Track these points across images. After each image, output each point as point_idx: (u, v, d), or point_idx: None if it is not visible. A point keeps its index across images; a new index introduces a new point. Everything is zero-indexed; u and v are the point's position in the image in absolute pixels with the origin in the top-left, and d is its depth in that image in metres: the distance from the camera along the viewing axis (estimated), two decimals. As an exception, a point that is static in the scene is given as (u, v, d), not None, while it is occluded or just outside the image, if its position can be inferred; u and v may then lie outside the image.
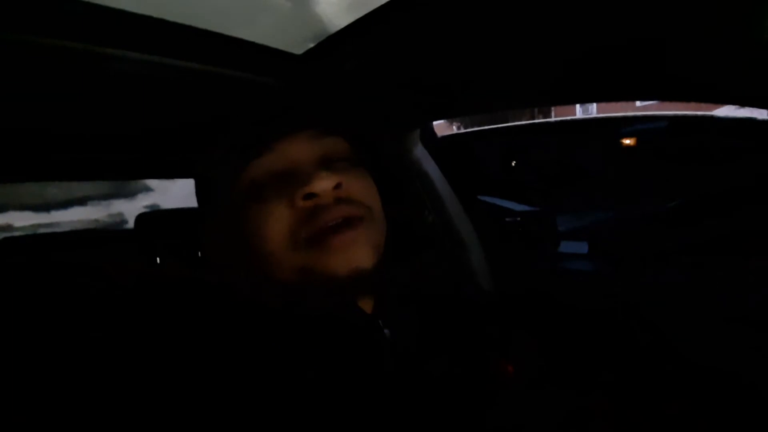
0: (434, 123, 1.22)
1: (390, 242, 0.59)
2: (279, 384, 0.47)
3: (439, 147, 1.02)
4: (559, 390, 0.61)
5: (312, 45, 0.68)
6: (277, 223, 0.52)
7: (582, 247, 2.04)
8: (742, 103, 0.75)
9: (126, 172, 1.32)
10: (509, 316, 0.69)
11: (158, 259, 1.15)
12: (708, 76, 0.67)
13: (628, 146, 2.73)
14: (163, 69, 0.63)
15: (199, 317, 0.51)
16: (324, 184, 0.52)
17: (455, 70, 0.76)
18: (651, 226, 2.22)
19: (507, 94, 0.87)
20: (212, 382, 0.45)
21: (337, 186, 0.54)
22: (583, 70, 0.71)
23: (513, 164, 3.20)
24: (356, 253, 0.52)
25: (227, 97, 0.77)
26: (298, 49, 0.69)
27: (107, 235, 1.51)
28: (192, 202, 0.67)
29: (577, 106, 9.45)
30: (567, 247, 2.10)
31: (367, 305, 0.57)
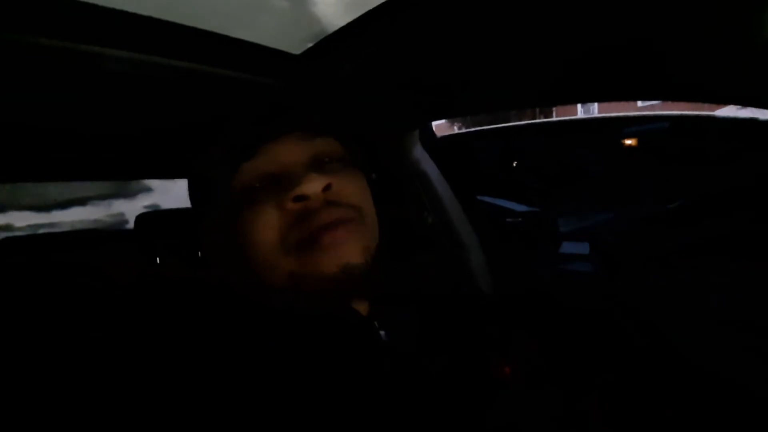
0: (435, 123, 1.22)
1: (388, 243, 0.59)
2: (277, 384, 0.47)
3: (438, 147, 1.02)
4: (558, 390, 0.61)
5: (310, 45, 0.68)
6: (267, 226, 0.52)
7: (583, 248, 2.04)
8: (743, 104, 0.75)
9: (126, 172, 1.32)
10: (509, 317, 0.69)
11: (158, 259, 1.15)
12: (708, 76, 0.67)
13: (629, 146, 2.73)
14: (164, 69, 0.63)
15: (198, 317, 0.51)
16: (313, 186, 0.52)
17: (455, 69, 0.76)
18: (652, 227, 2.21)
19: (507, 94, 0.87)
20: (211, 382, 0.45)
21: (327, 188, 0.54)
22: (584, 70, 0.71)
23: (514, 164, 3.20)
24: (345, 251, 0.52)
25: (226, 97, 0.77)
26: (297, 49, 0.69)
27: (107, 235, 1.50)
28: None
29: (579, 106, 9.46)
30: (568, 247, 2.10)
31: (363, 307, 0.57)
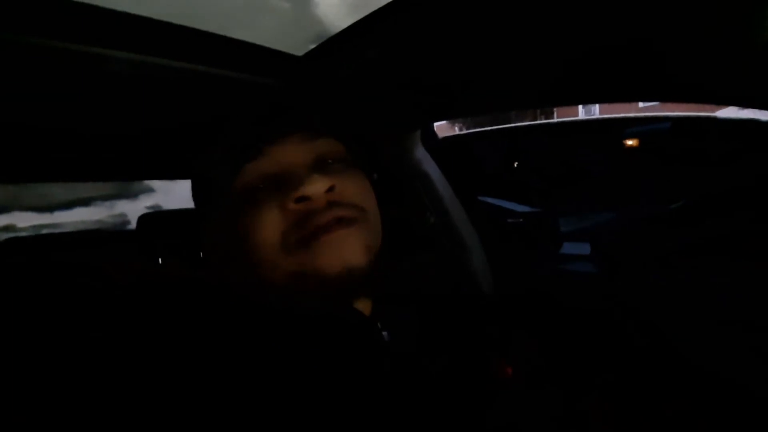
0: (436, 124, 1.22)
1: (389, 243, 0.59)
2: (277, 384, 0.47)
3: (439, 148, 1.02)
4: (558, 390, 0.61)
5: (313, 46, 0.69)
6: (269, 226, 0.52)
7: (584, 249, 2.04)
8: (744, 104, 0.75)
9: (128, 173, 1.32)
10: (509, 317, 0.69)
11: (160, 259, 1.16)
12: (709, 76, 0.67)
13: (630, 147, 2.73)
14: (167, 70, 0.64)
15: (199, 318, 0.51)
16: (316, 187, 0.52)
17: (456, 70, 0.77)
18: (653, 227, 2.21)
19: (508, 95, 0.87)
20: (211, 382, 0.45)
21: (330, 189, 0.53)
22: (584, 70, 0.71)
23: (515, 165, 3.20)
24: (347, 250, 0.52)
25: (229, 98, 0.77)
26: (299, 50, 0.70)
27: (110, 235, 1.51)
28: (193, 203, 0.67)
29: (580, 107, 9.45)
30: (569, 248, 2.10)
31: (365, 307, 0.57)
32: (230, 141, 0.58)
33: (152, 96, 0.74)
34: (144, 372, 0.45)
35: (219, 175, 0.57)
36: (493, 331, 0.64)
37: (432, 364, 0.57)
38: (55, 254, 1.23)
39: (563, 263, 1.97)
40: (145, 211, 1.28)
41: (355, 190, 0.57)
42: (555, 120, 4.28)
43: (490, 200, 2.32)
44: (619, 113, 3.11)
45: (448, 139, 2.96)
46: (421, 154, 1.00)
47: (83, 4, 0.51)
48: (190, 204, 0.66)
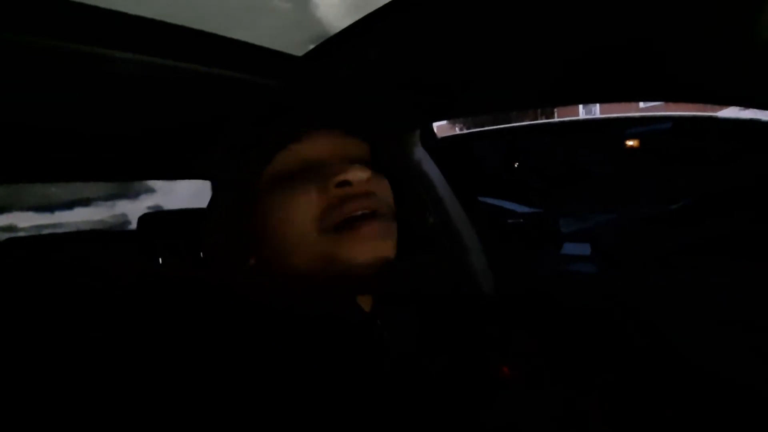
0: (437, 124, 1.22)
1: None
2: (277, 384, 0.47)
3: (439, 148, 1.02)
4: (558, 390, 0.61)
5: (312, 46, 0.69)
6: (308, 206, 0.53)
7: (585, 249, 2.04)
8: (744, 105, 0.75)
9: (130, 173, 1.33)
10: (509, 317, 0.69)
11: (160, 259, 1.16)
12: (709, 76, 0.67)
13: (631, 147, 2.72)
14: (167, 71, 0.64)
15: (199, 317, 0.51)
16: (360, 175, 0.54)
17: (456, 70, 0.77)
18: (654, 227, 2.21)
19: (508, 95, 0.87)
20: (211, 382, 0.45)
21: (369, 179, 0.56)
22: (584, 70, 0.71)
23: (516, 165, 3.20)
24: (382, 243, 0.54)
25: (229, 98, 0.77)
26: (299, 51, 0.70)
27: (110, 235, 1.51)
28: (194, 203, 0.67)
29: (580, 106, 9.44)
30: (570, 248, 2.10)
31: (366, 304, 0.58)
32: (259, 136, 0.59)
33: (153, 96, 0.74)
34: (144, 372, 0.45)
35: (242, 171, 0.58)
36: (493, 331, 0.64)
37: (432, 364, 0.57)
38: (56, 254, 1.23)
39: (564, 264, 1.97)
40: (146, 211, 1.28)
41: (385, 187, 0.59)
42: (555, 120, 4.27)
43: (490, 200, 2.32)
44: (620, 113, 3.10)
45: (447, 139, 2.95)
46: (420, 154, 1.00)
47: (84, 4, 0.51)
48: (190, 204, 0.66)
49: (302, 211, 0.53)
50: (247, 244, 0.57)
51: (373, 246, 0.53)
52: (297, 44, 0.69)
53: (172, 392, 0.44)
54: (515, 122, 3.33)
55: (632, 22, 0.56)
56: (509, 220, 2.24)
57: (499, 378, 0.60)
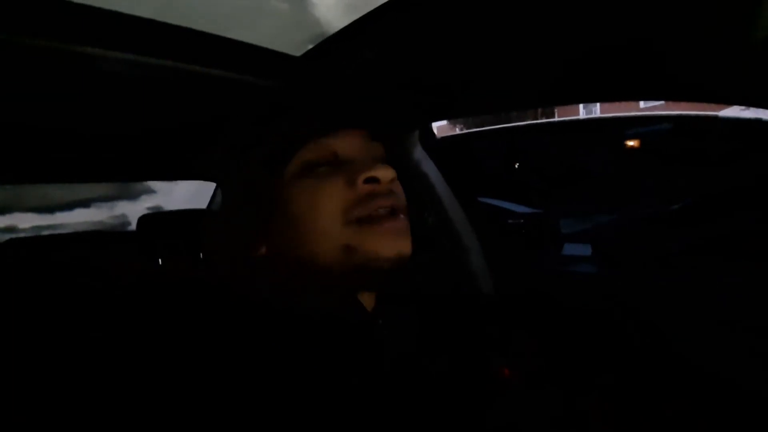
0: (436, 124, 1.22)
1: None
2: (277, 384, 0.47)
3: (439, 148, 1.02)
4: (558, 390, 0.61)
5: (311, 46, 0.69)
6: (335, 198, 0.55)
7: (585, 250, 2.04)
8: (744, 104, 0.75)
9: (130, 174, 1.33)
10: (509, 317, 0.69)
11: (160, 260, 1.16)
12: (709, 76, 0.67)
13: (632, 147, 2.72)
14: (166, 71, 0.64)
15: (199, 317, 0.51)
16: (387, 174, 0.56)
17: (455, 70, 0.77)
18: (655, 227, 2.21)
19: (508, 94, 0.87)
20: (211, 381, 0.45)
21: (393, 179, 0.57)
22: (584, 70, 0.71)
23: (516, 165, 3.19)
24: (402, 241, 0.56)
25: (228, 99, 0.77)
26: (297, 51, 0.70)
27: (110, 236, 1.51)
28: (194, 203, 0.67)
29: (581, 106, 9.44)
30: (570, 249, 2.10)
31: (368, 302, 0.58)
32: (279, 132, 0.60)
33: (152, 97, 0.74)
34: (144, 371, 0.45)
35: (277, 153, 0.59)
36: (493, 332, 0.64)
37: (432, 364, 0.57)
38: (56, 255, 1.23)
39: (564, 264, 1.97)
40: (146, 212, 1.28)
41: (401, 188, 0.61)
42: (556, 119, 4.27)
43: (491, 201, 2.32)
44: (621, 113, 3.10)
45: (447, 139, 2.95)
46: (420, 154, 1.00)
47: (85, 5, 0.51)
48: (190, 205, 0.66)
49: (330, 202, 0.55)
50: (256, 234, 0.58)
51: (395, 241, 0.55)
52: (295, 44, 0.69)
53: (172, 392, 0.44)
54: (515, 122, 3.32)
55: (632, 22, 0.56)
56: (509, 221, 2.23)
57: (499, 378, 0.60)
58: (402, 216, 0.57)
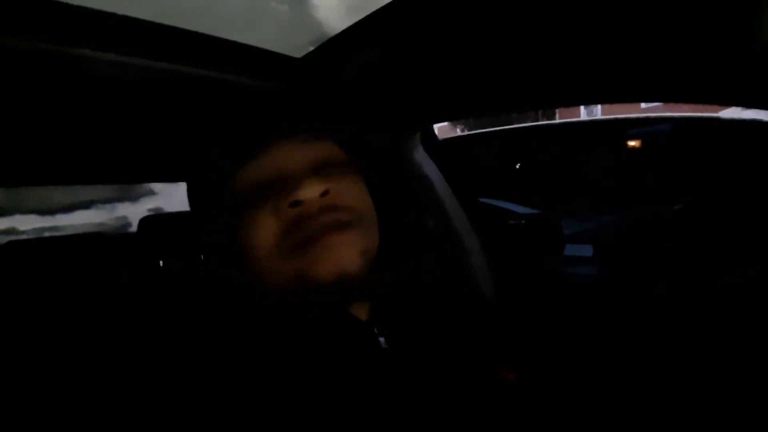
0: (437, 126, 1.22)
1: (389, 245, 0.59)
2: (276, 386, 0.47)
3: (440, 150, 1.02)
4: (558, 391, 0.61)
5: (312, 48, 0.69)
6: (263, 230, 0.52)
7: (587, 250, 2.03)
8: (744, 105, 0.75)
9: (131, 176, 1.33)
10: (509, 318, 0.69)
11: (161, 261, 1.16)
12: (709, 77, 0.67)
13: (633, 148, 2.72)
14: (167, 73, 0.64)
15: (197, 318, 0.51)
16: (310, 192, 0.52)
17: (456, 71, 0.77)
18: (655, 228, 2.21)
19: (509, 95, 0.87)
20: (209, 383, 0.45)
21: (324, 193, 0.53)
22: (585, 71, 0.71)
23: (517, 166, 3.20)
24: (342, 256, 0.51)
25: (229, 101, 0.77)
26: (298, 53, 0.70)
27: (111, 238, 1.51)
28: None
29: (582, 107, 9.43)
30: (572, 250, 2.10)
31: (362, 311, 0.57)
32: (228, 142, 0.58)
33: (153, 99, 0.75)
34: (143, 372, 0.45)
35: (216, 177, 0.57)
36: (493, 332, 0.64)
37: (432, 366, 0.57)
38: (57, 256, 1.23)
39: (567, 265, 1.97)
40: (147, 213, 1.28)
41: (350, 193, 0.56)
42: (557, 121, 4.27)
43: (492, 202, 2.32)
44: (622, 114, 3.10)
45: (448, 141, 2.95)
46: (421, 156, 1.00)
47: (86, 8, 0.51)
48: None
49: (259, 235, 0.52)
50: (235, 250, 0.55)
51: (333, 260, 0.51)
52: (296, 46, 0.69)
53: (171, 393, 0.44)
54: (516, 124, 3.32)
55: (632, 22, 0.56)
56: (510, 222, 2.23)
57: (499, 379, 0.60)
58: (344, 228, 0.52)
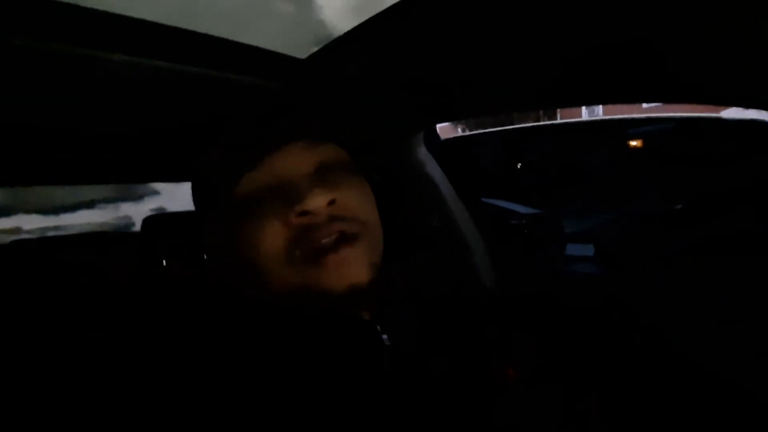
0: (439, 126, 1.22)
1: (390, 245, 0.59)
2: (278, 386, 0.47)
3: (442, 149, 1.03)
4: (558, 390, 0.61)
5: (316, 49, 0.69)
6: (272, 239, 0.51)
7: (588, 250, 2.03)
8: (744, 105, 0.75)
9: (134, 176, 1.33)
10: (510, 317, 0.69)
11: (164, 261, 1.16)
12: (709, 77, 0.67)
13: (634, 148, 2.72)
14: (172, 74, 0.64)
15: (199, 319, 0.51)
16: (317, 201, 0.51)
17: (459, 72, 0.77)
18: (657, 228, 2.21)
19: (510, 95, 0.88)
20: (211, 383, 0.46)
21: (332, 202, 0.53)
22: (585, 71, 0.71)
23: (518, 166, 3.19)
24: (352, 271, 0.52)
25: (233, 101, 0.77)
26: (302, 53, 0.70)
27: (114, 237, 1.51)
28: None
29: (583, 107, 9.40)
30: (573, 249, 2.10)
31: (366, 313, 0.57)
32: (230, 143, 0.58)
33: (158, 99, 0.75)
34: (144, 372, 0.46)
35: (219, 179, 0.57)
36: (494, 331, 0.64)
37: (433, 365, 0.57)
38: (60, 256, 1.24)
39: (568, 264, 1.97)
40: (150, 213, 1.28)
41: (356, 201, 0.56)
42: (558, 121, 4.27)
43: (493, 201, 2.32)
44: (623, 114, 3.10)
45: (450, 141, 2.95)
46: (423, 155, 1.00)
47: (90, 8, 0.52)
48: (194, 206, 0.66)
49: (268, 244, 0.51)
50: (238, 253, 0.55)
51: (343, 274, 0.51)
52: (300, 47, 0.69)
53: (173, 393, 0.44)
54: (518, 123, 3.32)
55: (632, 22, 0.57)
56: (512, 221, 2.23)
57: (499, 378, 0.60)
58: (352, 241, 0.52)
